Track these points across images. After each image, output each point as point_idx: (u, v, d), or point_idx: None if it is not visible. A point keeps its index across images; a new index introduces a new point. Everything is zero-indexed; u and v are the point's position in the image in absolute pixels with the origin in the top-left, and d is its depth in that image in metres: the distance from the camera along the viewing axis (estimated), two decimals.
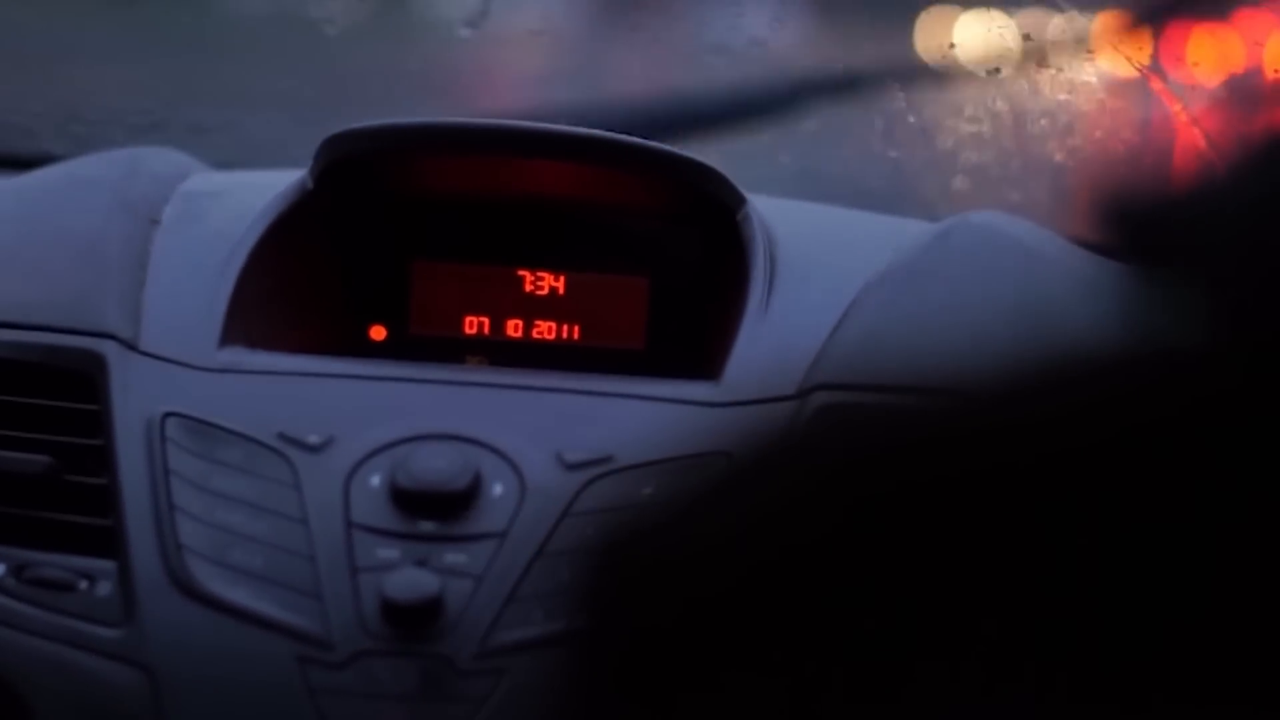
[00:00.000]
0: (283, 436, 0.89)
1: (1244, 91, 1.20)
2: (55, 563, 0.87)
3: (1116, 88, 1.51)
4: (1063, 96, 1.49)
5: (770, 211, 1.07)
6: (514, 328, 1.09)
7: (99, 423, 0.91)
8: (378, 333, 1.09)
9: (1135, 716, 0.43)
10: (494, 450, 0.89)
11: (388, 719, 0.81)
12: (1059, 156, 1.48)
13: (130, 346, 0.95)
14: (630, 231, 1.09)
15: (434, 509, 0.86)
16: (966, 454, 0.45)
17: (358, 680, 0.81)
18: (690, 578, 0.46)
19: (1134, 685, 0.43)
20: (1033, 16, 1.60)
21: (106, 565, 0.86)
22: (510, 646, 0.82)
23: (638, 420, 0.93)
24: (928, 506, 0.44)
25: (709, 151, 1.11)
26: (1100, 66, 1.50)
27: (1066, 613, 0.44)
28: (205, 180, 1.14)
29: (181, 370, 0.94)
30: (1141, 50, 1.50)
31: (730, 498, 0.48)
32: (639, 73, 1.76)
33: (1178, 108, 1.32)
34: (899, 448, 0.46)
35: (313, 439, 0.89)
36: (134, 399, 0.92)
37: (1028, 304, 0.99)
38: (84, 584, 0.86)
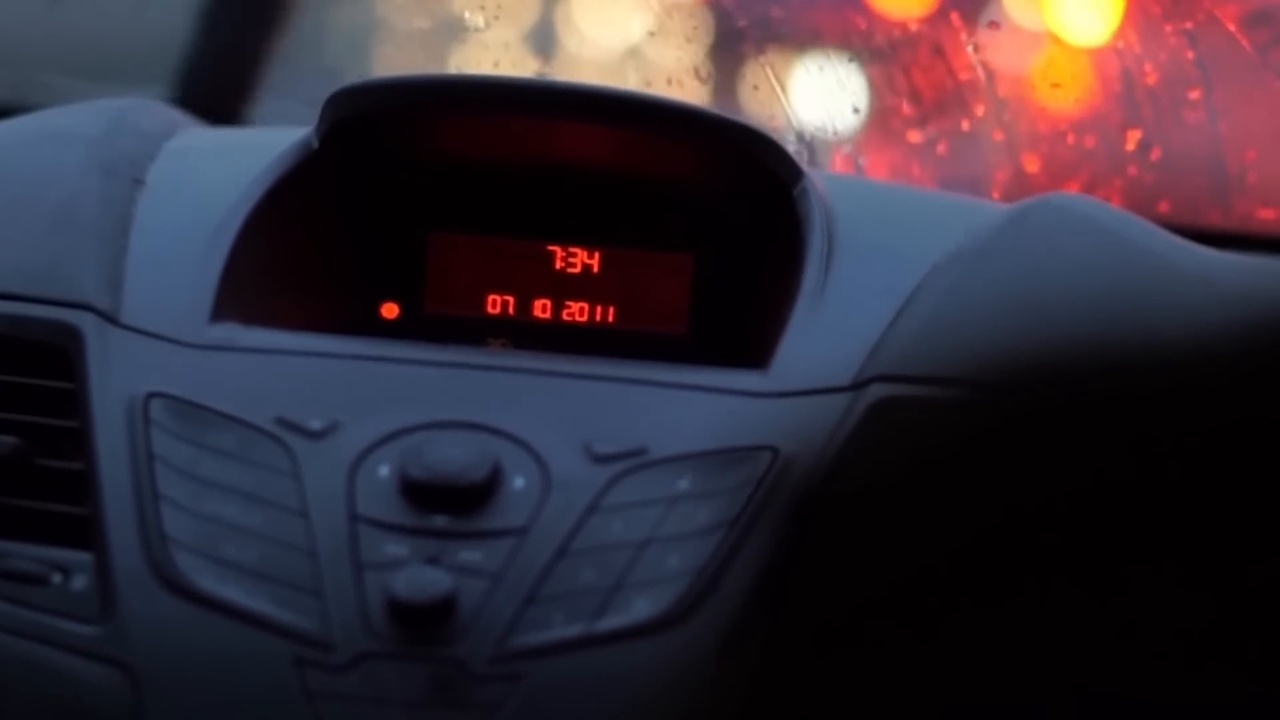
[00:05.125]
0: (281, 421, 0.88)
1: None
2: (26, 553, 0.86)
3: None
4: None
5: (830, 187, 1.05)
6: (542, 308, 1.08)
7: (74, 402, 0.90)
8: (389, 310, 1.08)
9: None
10: (515, 440, 0.88)
11: None
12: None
13: (110, 319, 0.93)
14: (673, 204, 1.08)
15: (448, 502, 0.85)
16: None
17: (361, 684, 0.80)
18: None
19: None
20: None
21: (82, 557, 0.85)
22: (528, 650, 0.81)
23: (676, 410, 0.91)
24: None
25: None
26: None
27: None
28: (196, 137, 1.13)
29: (167, 346, 0.93)
30: None
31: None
32: None
33: None
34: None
35: (314, 424, 0.88)
36: (113, 377, 0.91)
37: (1110, 292, 0.98)
38: (58, 577, 0.85)
